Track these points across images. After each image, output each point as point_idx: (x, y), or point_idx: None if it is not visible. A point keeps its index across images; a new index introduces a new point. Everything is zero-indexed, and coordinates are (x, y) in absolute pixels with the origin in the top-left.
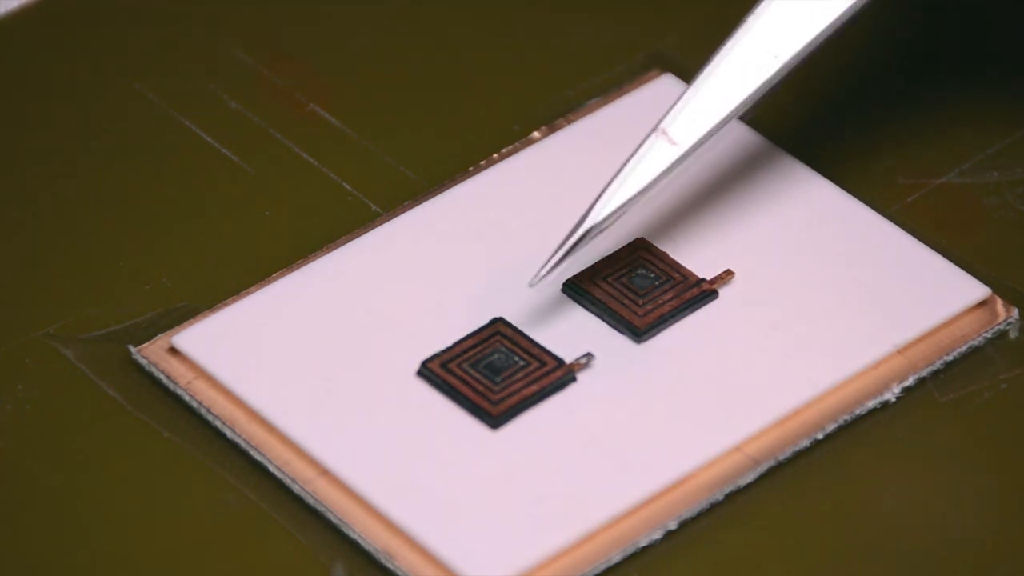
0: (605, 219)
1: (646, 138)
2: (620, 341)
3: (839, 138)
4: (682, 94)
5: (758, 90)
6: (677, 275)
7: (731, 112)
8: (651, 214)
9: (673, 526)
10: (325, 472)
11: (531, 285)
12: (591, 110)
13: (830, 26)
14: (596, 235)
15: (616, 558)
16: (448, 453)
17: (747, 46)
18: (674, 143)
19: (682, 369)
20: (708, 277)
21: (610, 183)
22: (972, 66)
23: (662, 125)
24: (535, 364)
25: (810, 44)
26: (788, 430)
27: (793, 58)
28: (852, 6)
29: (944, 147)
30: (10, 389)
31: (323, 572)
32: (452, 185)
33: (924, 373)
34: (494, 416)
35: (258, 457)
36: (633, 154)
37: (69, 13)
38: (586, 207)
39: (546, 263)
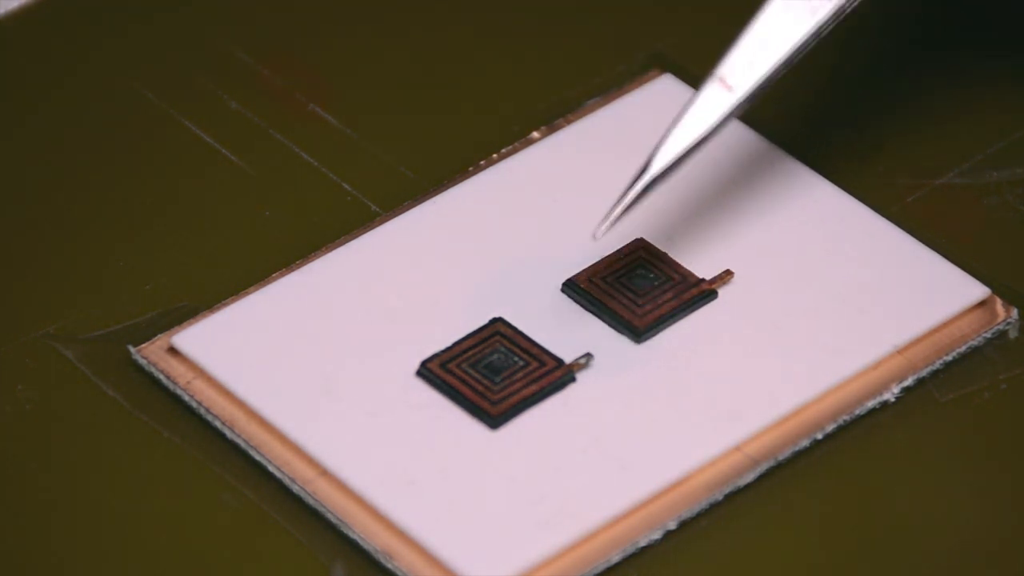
0: (667, 168)
1: (702, 85)
2: (620, 341)
3: (839, 138)
4: (737, 39)
5: (813, 34)
6: (677, 275)
7: (787, 56)
8: (651, 214)
9: (673, 526)
10: (325, 472)
11: (595, 238)
12: (591, 110)
13: None
14: (657, 186)
15: (616, 558)
16: (448, 453)
17: None
18: (730, 88)
19: (682, 369)
20: (708, 277)
21: (669, 131)
22: (972, 66)
23: (718, 71)
24: (535, 364)
25: None
26: (788, 430)
27: (847, 1)
28: None
29: (944, 147)
30: (10, 389)
31: (323, 572)
32: (452, 185)
33: (924, 373)
34: (494, 416)
35: (258, 457)
36: (690, 102)
37: (69, 13)
38: (586, 207)
39: (608, 215)
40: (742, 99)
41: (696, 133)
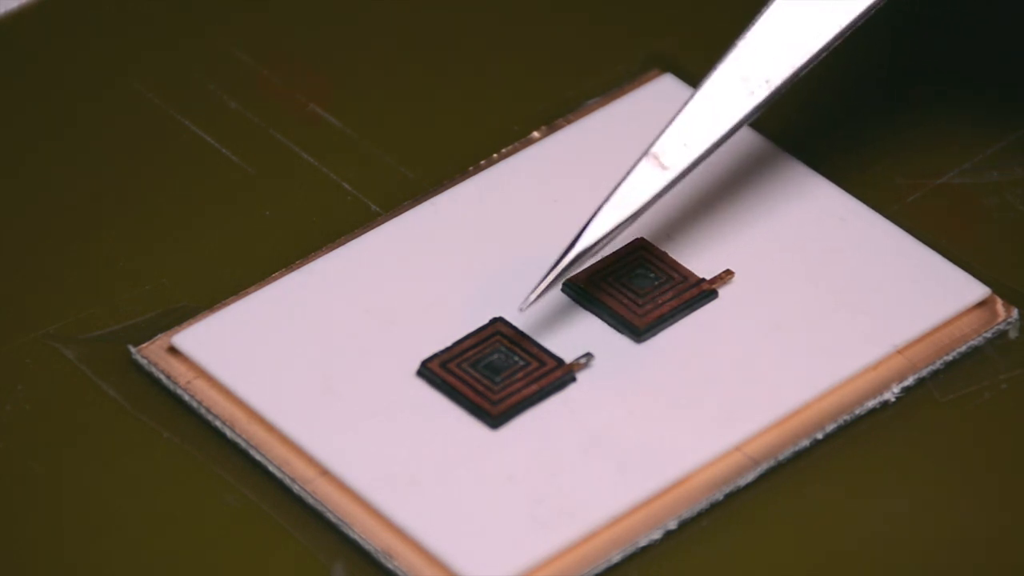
0: (596, 243)
1: (636, 162)
2: (620, 341)
3: (839, 138)
4: (673, 117)
5: (749, 115)
6: (677, 275)
7: (722, 137)
8: (651, 214)
9: (673, 526)
10: (325, 472)
11: (521, 309)
12: (591, 110)
13: (822, 50)
14: (585, 260)
15: (616, 558)
16: (448, 453)
17: (738, 70)
18: (664, 168)
19: (682, 369)
20: (708, 277)
21: (601, 207)
22: (972, 66)
23: (652, 149)
24: (535, 364)
25: (802, 68)
26: (788, 430)
27: (785, 83)
28: (844, 30)
29: (944, 147)
30: (10, 389)
31: (323, 572)
32: (452, 185)
33: (924, 373)
34: (494, 416)
35: (258, 457)
36: (623, 178)
37: (69, 13)
38: (586, 207)
39: (535, 288)
40: (675, 178)
41: (626, 211)
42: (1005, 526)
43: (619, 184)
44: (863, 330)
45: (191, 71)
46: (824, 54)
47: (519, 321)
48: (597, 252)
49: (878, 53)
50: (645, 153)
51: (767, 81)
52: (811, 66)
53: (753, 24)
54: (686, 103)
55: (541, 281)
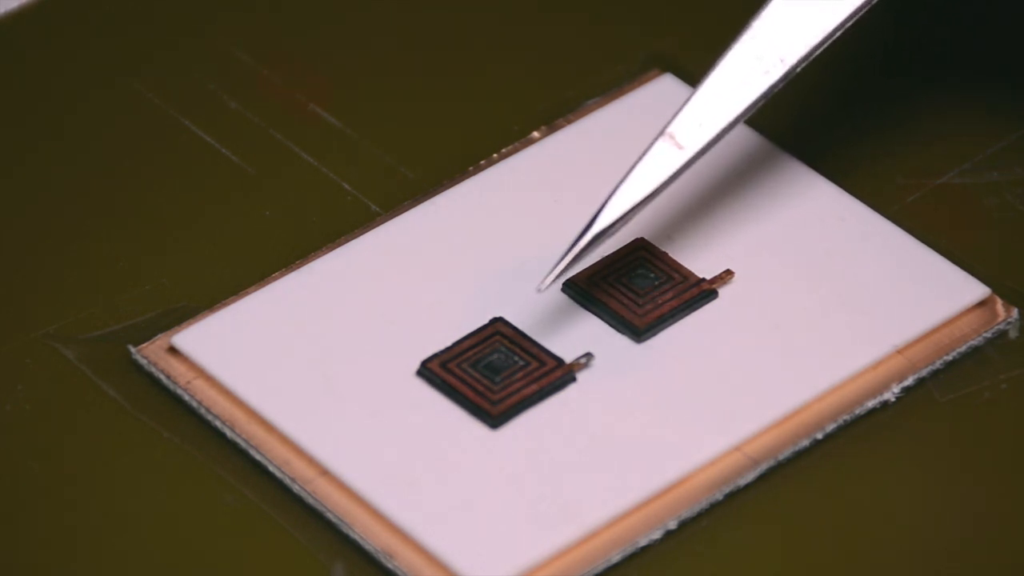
0: (612, 224)
1: (653, 142)
2: (620, 341)
3: (839, 138)
4: (688, 98)
5: (764, 94)
6: (677, 275)
7: (737, 116)
8: (651, 214)
9: (673, 526)
10: (325, 472)
11: (539, 290)
12: (591, 110)
13: (836, 29)
14: (603, 241)
15: (616, 558)
16: (448, 453)
17: (753, 49)
18: (680, 147)
19: (682, 369)
20: (708, 277)
21: (617, 188)
22: (972, 66)
23: (668, 129)
24: (535, 364)
25: (816, 47)
26: (788, 430)
27: (799, 61)
28: (857, 9)
29: (944, 147)
30: (10, 389)
31: (323, 572)
32: (452, 185)
33: (924, 373)
34: (494, 416)
35: (258, 457)
36: (639, 159)
37: (69, 13)
38: (586, 207)
39: (553, 268)
40: (691, 158)
41: (644, 191)
42: (1005, 525)
43: (635, 165)
44: (863, 330)
45: (191, 71)
46: (838, 33)
47: (519, 321)
48: (614, 233)
49: (877, 53)
50: (661, 133)
51: (782, 60)
52: (825, 45)
53: (767, 4)
54: (701, 82)
55: (559, 262)
